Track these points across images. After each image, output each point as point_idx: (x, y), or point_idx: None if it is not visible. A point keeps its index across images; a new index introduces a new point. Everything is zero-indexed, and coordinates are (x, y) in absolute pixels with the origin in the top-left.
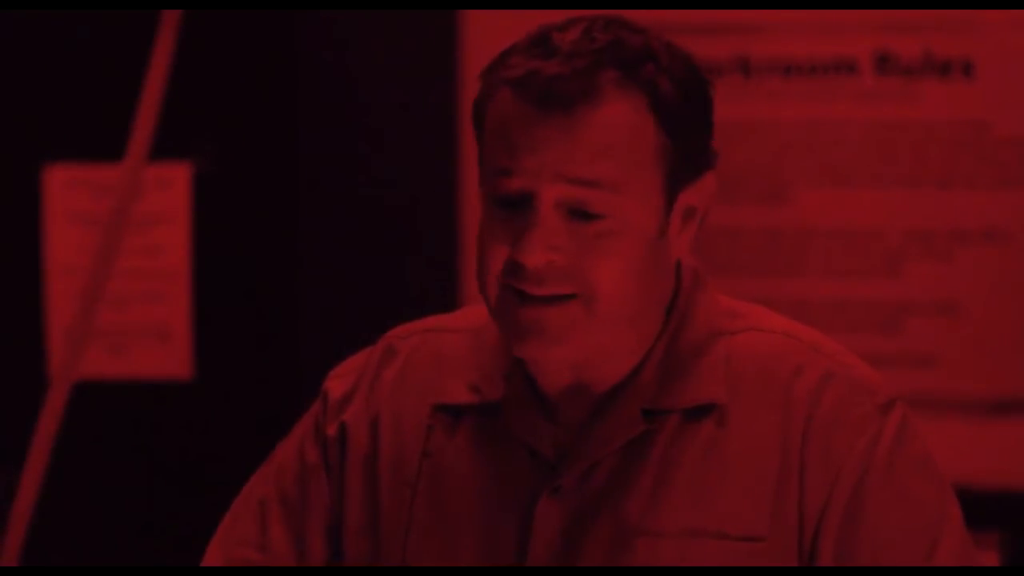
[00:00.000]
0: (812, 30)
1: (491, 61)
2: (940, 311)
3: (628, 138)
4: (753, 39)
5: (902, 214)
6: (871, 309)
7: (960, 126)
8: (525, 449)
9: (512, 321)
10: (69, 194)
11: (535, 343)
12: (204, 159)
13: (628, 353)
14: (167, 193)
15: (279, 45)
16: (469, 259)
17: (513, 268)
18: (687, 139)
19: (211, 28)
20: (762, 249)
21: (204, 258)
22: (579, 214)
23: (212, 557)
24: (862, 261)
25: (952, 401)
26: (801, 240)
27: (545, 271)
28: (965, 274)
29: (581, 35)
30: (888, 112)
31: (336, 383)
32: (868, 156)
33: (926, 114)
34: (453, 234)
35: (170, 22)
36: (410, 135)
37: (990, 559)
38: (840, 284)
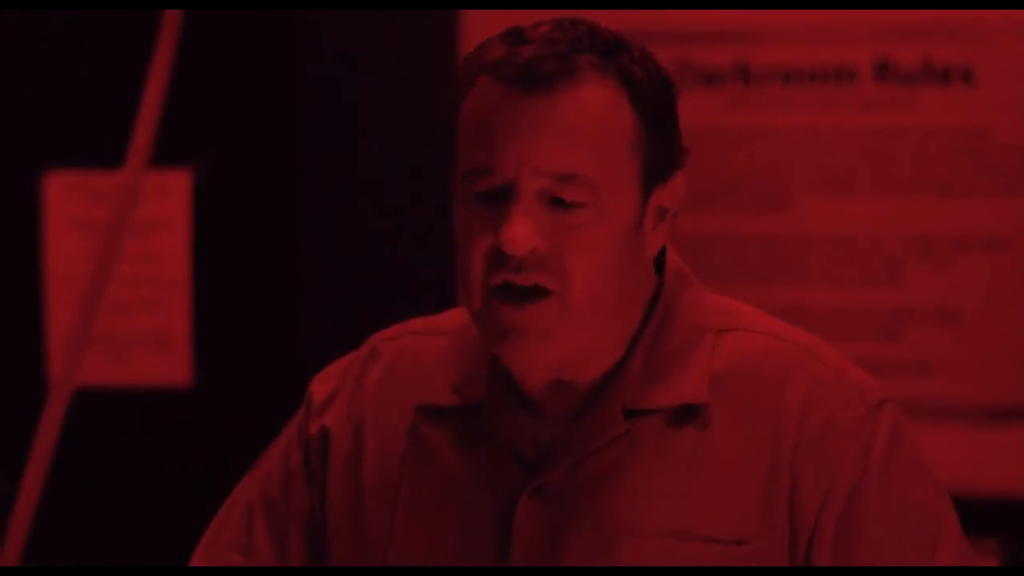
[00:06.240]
0: (812, 37)
1: (462, 63)
2: (940, 318)
3: (607, 123)
4: (753, 46)
5: (902, 221)
6: (871, 316)
7: (960, 133)
8: (508, 450)
9: (493, 323)
10: (69, 200)
11: (514, 343)
12: (204, 166)
13: (609, 349)
14: (167, 200)
15: (278, 51)
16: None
17: (496, 257)
18: (661, 131)
19: (210, 35)
20: (762, 256)
21: (204, 265)
22: (559, 202)
23: (198, 560)
24: (862, 268)
25: (952, 408)
26: (801, 247)
27: (527, 259)
28: (965, 281)
29: (553, 27)
30: (888, 119)
31: (320, 386)
32: (868, 163)
33: (926, 121)
34: (452, 238)
35: (171, 24)
36: (409, 138)
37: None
38: (840, 291)
